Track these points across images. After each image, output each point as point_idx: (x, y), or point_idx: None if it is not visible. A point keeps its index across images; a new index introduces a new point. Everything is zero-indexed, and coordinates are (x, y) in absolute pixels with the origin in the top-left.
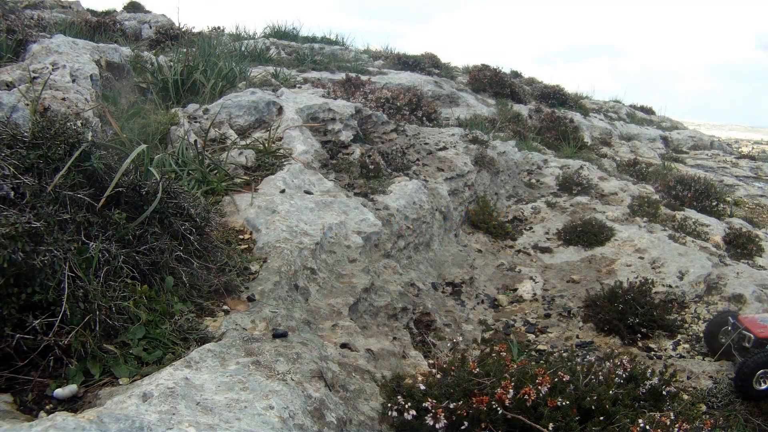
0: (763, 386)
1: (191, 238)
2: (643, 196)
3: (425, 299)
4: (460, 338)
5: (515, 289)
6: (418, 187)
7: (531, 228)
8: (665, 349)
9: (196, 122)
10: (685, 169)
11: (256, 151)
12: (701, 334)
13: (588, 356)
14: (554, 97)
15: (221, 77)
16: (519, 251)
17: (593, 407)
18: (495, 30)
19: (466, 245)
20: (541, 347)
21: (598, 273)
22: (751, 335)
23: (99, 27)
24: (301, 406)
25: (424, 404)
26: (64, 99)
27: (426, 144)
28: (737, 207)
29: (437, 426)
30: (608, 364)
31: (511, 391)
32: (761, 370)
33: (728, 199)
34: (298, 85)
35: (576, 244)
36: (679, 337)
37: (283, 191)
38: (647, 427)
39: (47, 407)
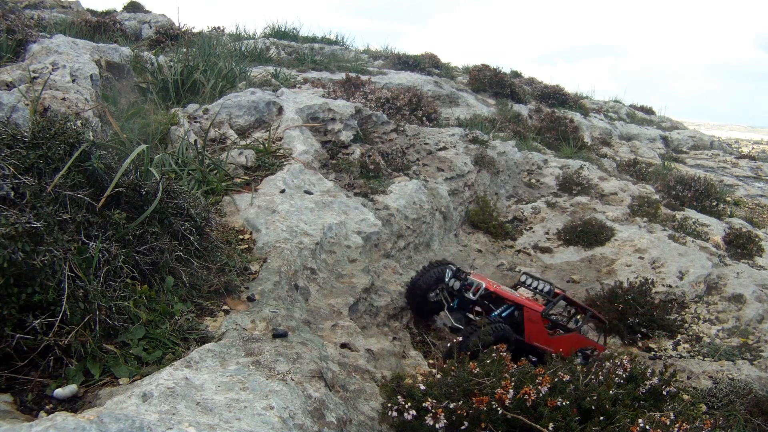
0: (435, 299)
1: (191, 238)
2: (643, 196)
3: None
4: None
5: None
6: (418, 187)
7: (531, 228)
8: (665, 349)
9: (196, 122)
10: (685, 169)
11: (256, 151)
12: (701, 334)
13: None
14: (554, 97)
15: (221, 77)
16: (519, 251)
17: (593, 407)
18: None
19: (466, 245)
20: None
21: (598, 273)
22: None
23: (99, 27)
24: (301, 406)
25: (424, 404)
26: (64, 99)
27: (426, 144)
28: (737, 207)
29: (437, 426)
30: (608, 364)
31: (511, 391)
32: (441, 285)
33: (728, 199)
34: (298, 85)
35: (576, 244)
36: (679, 337)
37: (283, 191)
38: (647, 427)
39: (47, 407)
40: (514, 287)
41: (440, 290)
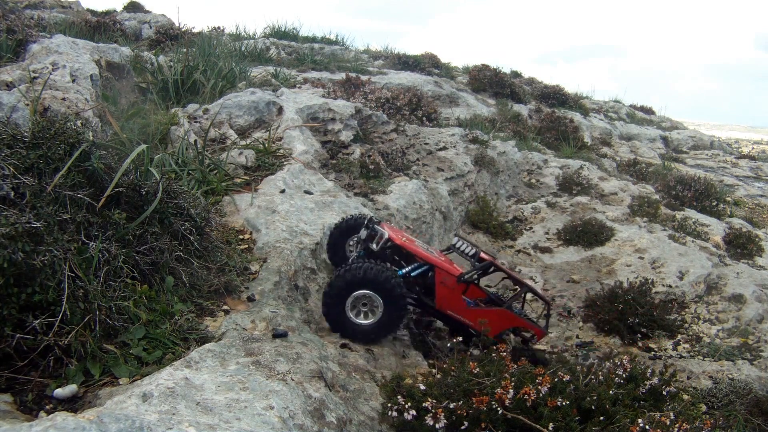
0: (354, 252)
1: (191, 238)
2: (643, 196)
3: None
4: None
5: (515, 289)
6: (418, 187)
7: (531, 228)
8: (665, 349)
9: (196, 122)
10: (685, 169)
11: (256, 151)
12: (701, 334)
13: (588, 356)
14: (554, 97)
15: (221, 77)
16: (519, 251)
17: (593, 407)
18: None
19: None
20: (541, 347)
21: (598, 273)
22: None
23: (99, 27)
24: (301, 406)
25: (424, 404)
26: (64, 99)
27: (426, 144)
28: (737, 207)
29: (437, 426)
30: (608, 364)
31: (511, 391)
32: (355, 236)
33: (728, 199)
34: (298, 85)
35: (576, 244)
36: (679, 337)
37: (283, 191)
38: (647, 427)
39: (47, 407)
40: (447, 250)
41: (356, 241)
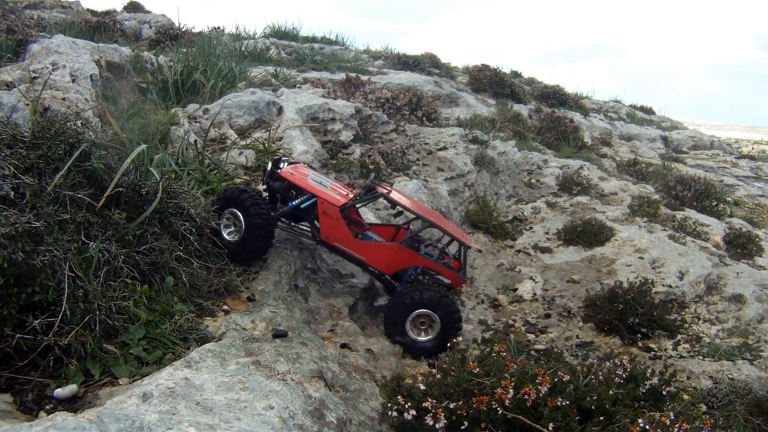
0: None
1: (191, 238)
2: (643, 196)
3: None
4: (460, 338)
5: (515, 289)
6: (418, 187)
7: (531, 228)
8: (665, 349)
9: (196, 122)
10: (685, 169)
11: (256, 151)
12: (701, 334)
13: (588, 356)
14: (554, 97)
15: (221, 77)
16: (519, 251)
17: (593, 407)
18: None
19: None
20: (541, 347)
21: (598, 273)
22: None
23: (99, 27)
24: (301, 406)
25: (424, 404)
26: (64, 99)
27: (426, 144)
28: (737, 207)
29: (437, 426)
30: (608, 364)
31: (511, 391)
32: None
33: (728, 199)
34: (298, 85)
35: (576, 244)
36: (679, 337)
37: None
38: (647, 427)
39: (47, 407)
40: (366, 192)
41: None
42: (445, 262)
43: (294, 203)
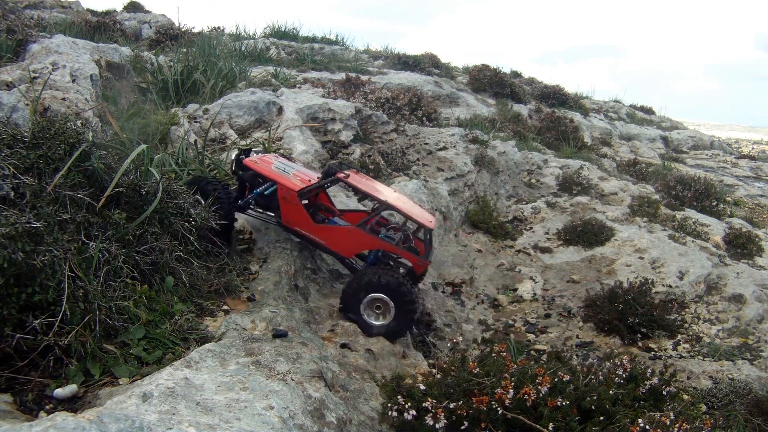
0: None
1: (191, 238)
2: (643, 196)
3: (425, 299)
4: (460, 338)
5: (515, 289)
6: (418, 187)
7: (531, 228)
8: (665, 349)
9: (196, 122)
10: (685, 169)
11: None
12: (701, 334)
13: (588, 356)
14: (554, 97)
15: (221, 77)
16: (519, 251)
17: (593, 407)
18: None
19: (466, 245)
20: (541, 347)
21: (598, 273)
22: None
23: (99, 27)
24: (301, 406)
25: (424, 404)
26: (64, 99)
27: (426, 144)
28: (737, 207)
29: (437, 426)
30: (608, 364)
31: (511, 391)
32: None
33: (728, 199)
34: (298, 85)
35: (576, 244)
36: (679, 337)
37: None
38: (647, 427)
39: (47, 407)
40: (326, 174)
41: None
42: (410, 246)
43: (258, 190)
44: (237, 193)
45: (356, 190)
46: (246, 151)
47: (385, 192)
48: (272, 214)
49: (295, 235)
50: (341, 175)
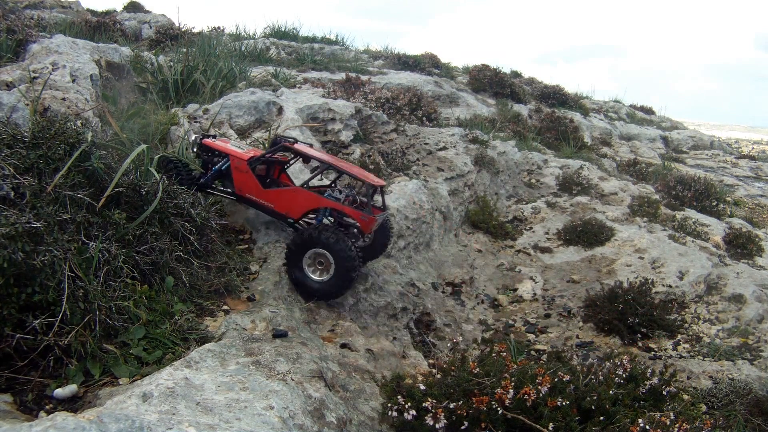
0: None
1: (191, 238)
2: (643, 196)
3: (425, 299)
4: (460, 338)
5: (515, 289)
6: (418, 187)
7: (531, 228)
8: (665, 349)
9: (196, 122)
10: (685, 169)
11: None
12: (701, 334)
13: (588, 356)
14: (554, 97)
15: (221, 77)
16: (519, 251)
17: (593, 407)
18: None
19: (466, 245)
20: (541, 347)
21: (598, 273)
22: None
23: (99, 27)
24: (301, 406)
25: (424, 404)
26: (64, 99)
27: (426, 144)
28: (737, 207)
29: (437, 426)
30: (608, 364)
31: (511, 391)
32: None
33: (728, 199)
34: (298, 85)
35: (576, 244)
36: (679, 337)
37: None
38: (647, 427)
39: (47, 407)
40: (273, 144)
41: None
42: (358, 205)
43: (216, 167)
44: (200, 173)
45: (302, 155)
46: (206, 136)
47: (328, 156)
48: (230, 190)
49: (250, 206)
50: (286, 142)
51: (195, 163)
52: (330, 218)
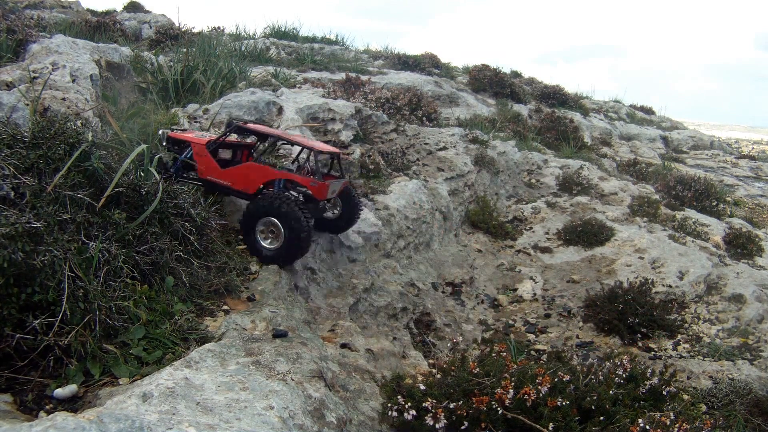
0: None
1: (191, 238)
2: (643, 196)
3: (425, 299)
4: (460, 338)
5: (515, 289)
6: (418, 187)
7: (531, 228)
8: (665, 349)
9: (196, 122)
10: (685, 169)
11: None
12: (701, 334)
13: (588, 356)
14: (554, 97)
15: (221, 77)
16: (519, 251)
17: (593, 407)
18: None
19: (466, 245)
20: (541, 347)
21: (598, 273)
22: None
23: (99, 27)
24: (301, 406)
25: (424, 404)
26: (64, 99)
27: (426, 144)
28: (737, 207)
29: (437, 426)
30: (608, 364)
31: (511, 391)
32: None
33: (728, 199)
34: (298, 85)
35: (576, 244)
36: (679, 337)
37: None
38: (647, 427)
39: (47, 407)
40: (228, 126)
41: None
42: (312, 175)
43: (182, 156)
44: (172, 164)
45: (255, 133)
46: (174, 129)
47: (279, 132)
48: (194, 176)
49: (213, 189)
50: (239, 122)
51: (167, 155)
52: (294, 193)
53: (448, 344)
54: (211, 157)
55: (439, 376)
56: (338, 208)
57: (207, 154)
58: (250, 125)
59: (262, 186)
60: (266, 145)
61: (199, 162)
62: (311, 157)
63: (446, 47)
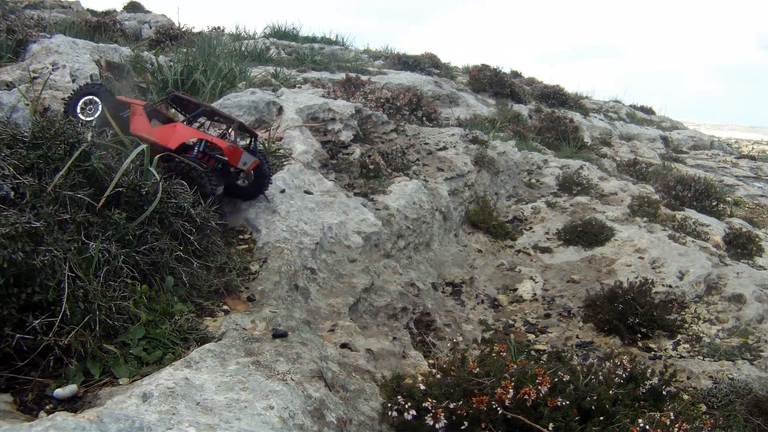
0: (87, 117)
1: (191, 238)
2: (643, 196)
3: (425, 299)
4: (460, 338)
5: (515, 289)
6: (418, 187)
7: (531, 228)
8: (665, 349)
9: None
10: (685, 169)
11: None
12: (701, 334)
13: (588, 356)
14: (554, 97)
15: (221, 77)
16: (519, 251)
17: (593, 407)
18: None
19: (466, 245)
20: (541, 347)
21: (598, 273)
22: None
23: (99, 27)
24: (301, 406)
25: (424, 404)
26: (64, 99)
27: (426, 144)
28: (737, 207)
29: (437, 426)
30: (608, 364)
31: (511, 391)
32: (85, 98)
33: (728, 199)
34: (298, 85)
35: (576, 244)
36: (679, 337)
37: (283, 191)
38: (647, 427)
39: (47, 407)
40: (166, 95)
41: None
42: (231, 142)
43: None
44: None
45: (189, 103)
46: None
47: (206, 105)
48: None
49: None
50: (175, 93)
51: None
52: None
53: (448, 344)
54: (146, 118)
55: (439, 376)
56: (249, 178)
57: (143, 115)
58: (184, 96)
59: (183, 143)
60: (198, 115)
61: (134, 120)
62: (232, 132)
63: (446, 47)
